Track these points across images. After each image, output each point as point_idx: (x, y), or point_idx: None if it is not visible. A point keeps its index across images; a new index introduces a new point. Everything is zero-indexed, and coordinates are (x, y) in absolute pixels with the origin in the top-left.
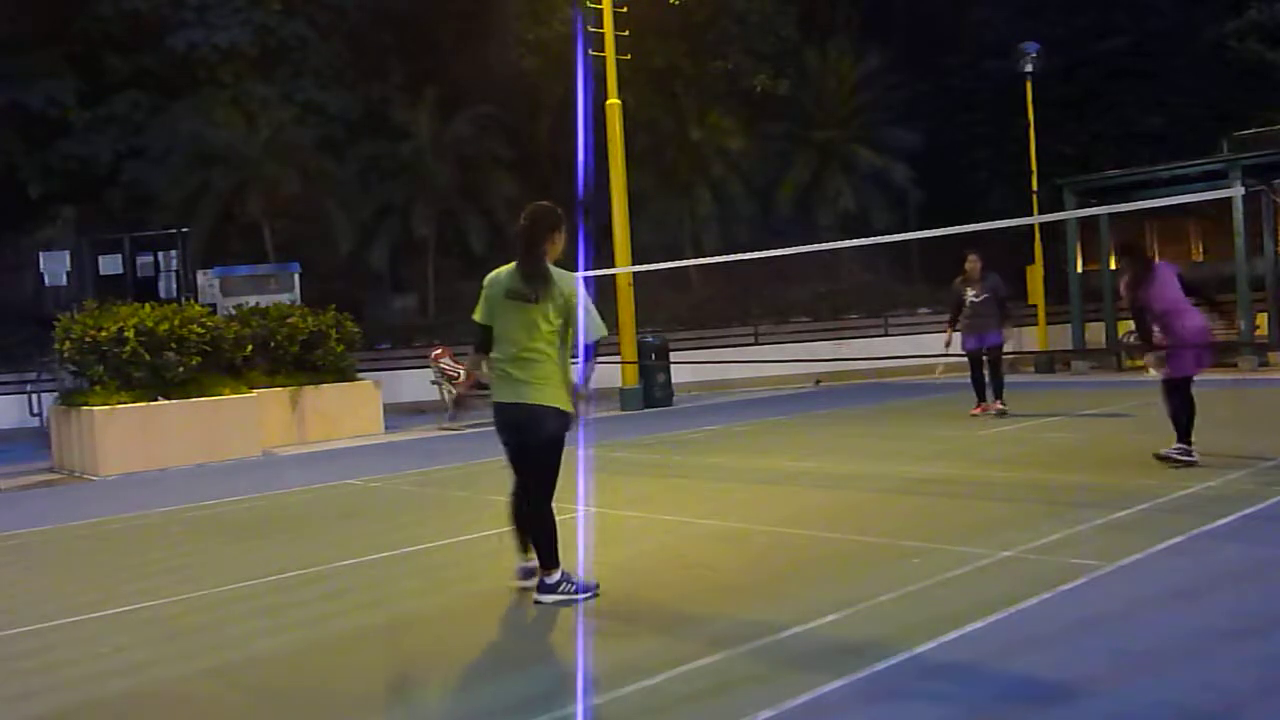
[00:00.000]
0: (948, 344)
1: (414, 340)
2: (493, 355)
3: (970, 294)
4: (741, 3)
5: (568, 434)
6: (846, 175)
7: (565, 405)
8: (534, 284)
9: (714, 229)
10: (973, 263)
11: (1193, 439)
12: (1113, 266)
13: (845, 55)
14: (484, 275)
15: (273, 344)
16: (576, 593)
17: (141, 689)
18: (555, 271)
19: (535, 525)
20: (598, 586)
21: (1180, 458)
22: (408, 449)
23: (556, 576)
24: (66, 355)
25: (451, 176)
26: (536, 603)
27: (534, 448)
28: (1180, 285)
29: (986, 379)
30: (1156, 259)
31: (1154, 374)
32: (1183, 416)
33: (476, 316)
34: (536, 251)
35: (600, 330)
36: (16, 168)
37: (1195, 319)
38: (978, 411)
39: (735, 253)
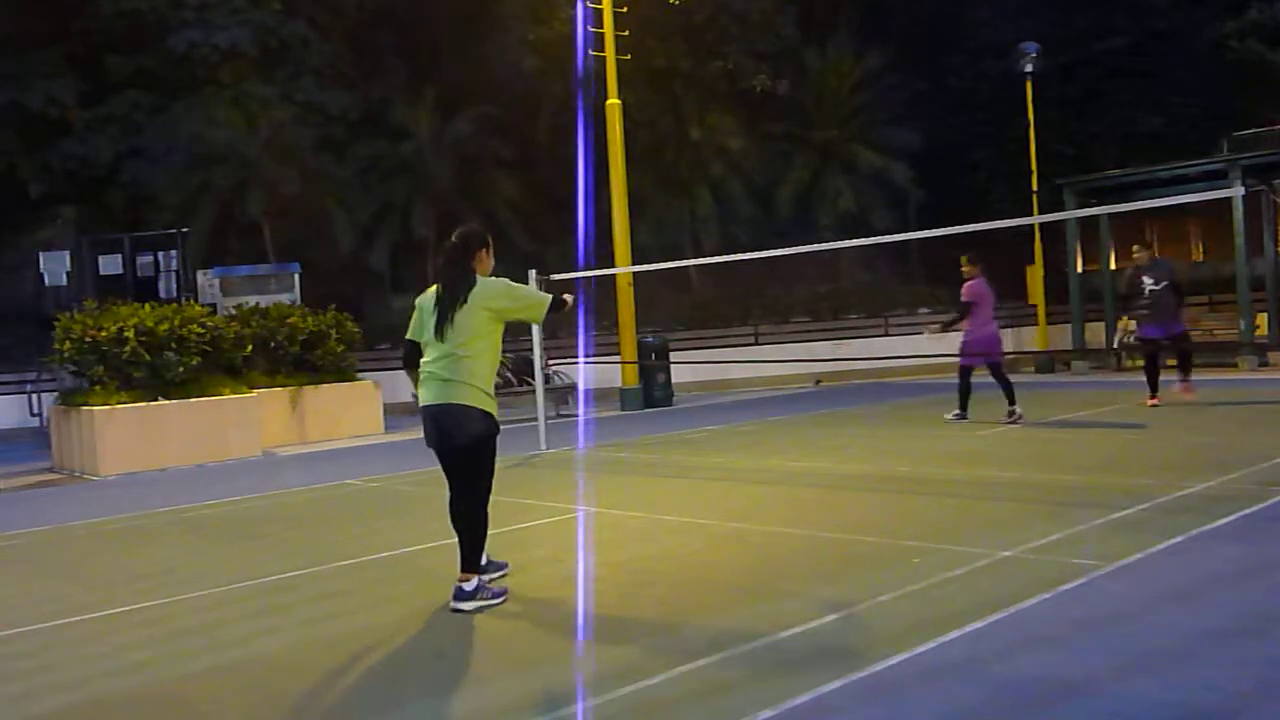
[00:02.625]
0: (1124, 333)
1: None
2: (422, 362)
3: (1149, 282)
4: (741, 3)
5: (497, 439)
6: (846, 175)
7: (491, 409)
8: (459, 289)
9: (714, 229)
10: (1140, 251)
11: (968, 411)
12: (964, 270)
13: (845, 55)
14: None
15: (273, 344)
16: (492, 599)
17: (141, 689)
18: (481, 280)
19: (466, 527)
20: (506, 592)
21: (955, 420)
22: (408, 449)
23: (474, 583)
24: (66, 355)
25: (451, 176)
26: (455, 611)
27: (460, 449)
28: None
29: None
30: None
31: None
32: (962, 392)
33: (408, 334)
34: (465, 264)
35: (543, 298)
36: (16, 168)
37: (989, 328)
38: (1155, 402)
39: (735, 253)
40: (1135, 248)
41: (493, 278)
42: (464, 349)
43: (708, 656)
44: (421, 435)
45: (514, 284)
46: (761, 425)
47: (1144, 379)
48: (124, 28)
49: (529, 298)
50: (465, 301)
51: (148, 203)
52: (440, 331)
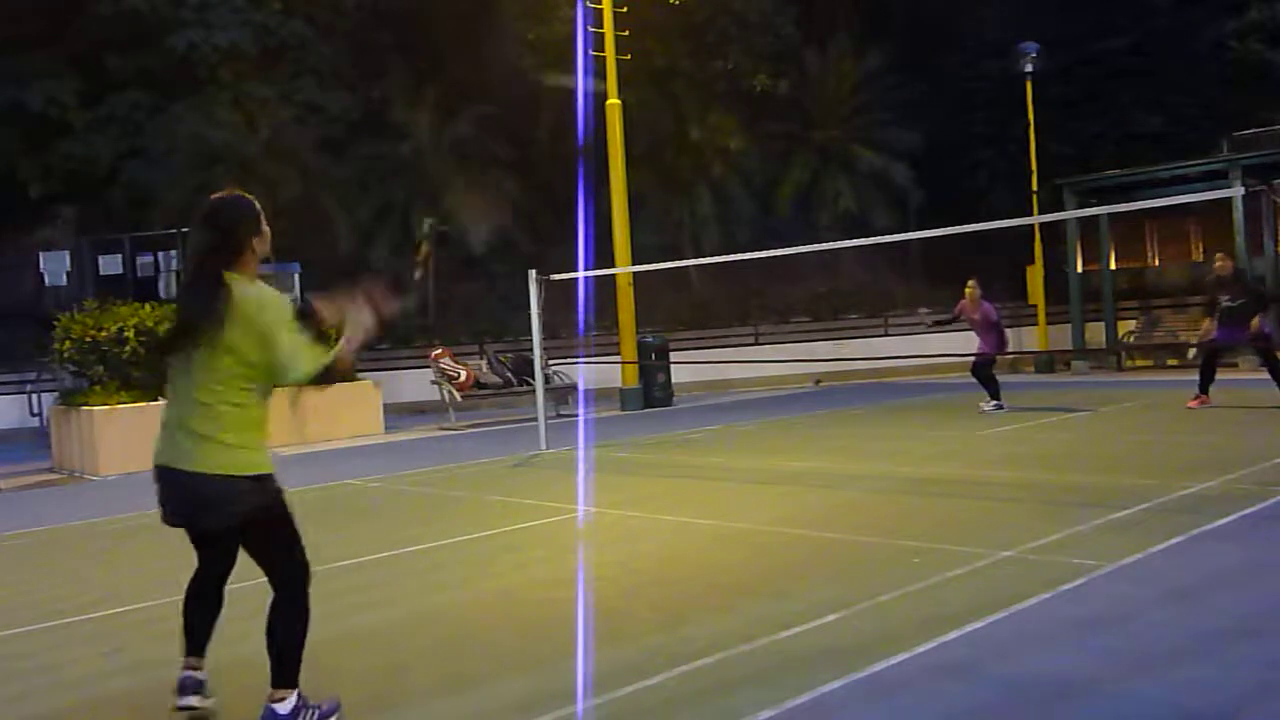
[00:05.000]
0: (1202, 335)
1: (414, 340)
2: (164, 407)
3: (1225, 299)
4: (741, 3)
5: (281, 499)
6: (846, 175)
7: (264, 467)
8: (210, 311)
9: (714, 229)
10: (1222, 262)
11: (1002, 399)
12: (968, 292)
13: (845, 55)
14: (484, 275)
15: None
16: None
17: (141, 689)
18: (249, 291)
19: (282, 625)
20: (338, 707)
21: (991, 410)
22: (408, 449)
23: (293, 703)
24: (66, 355)
25: (451, 176)
26: None
27: (230, 530)
28: (991, 316)
29: (1215, 374)
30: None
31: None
32: (990, 385)
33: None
34: (215, 264)
35: (306, 365)
36: (16, 168)
37: (991, 337)
38: (1194, 404)
39: (735, 253)
40: (1219, 257)
41: (271, 292)
42: (225, 401)
43: (708, 656)
44: None
45: (290, 318)
46: (761, 425)
47: (1146, 379)
48: (124, 28)
49: (292, 354)
50: (221, 323)
51: (148, 203)
52: (191, 368)
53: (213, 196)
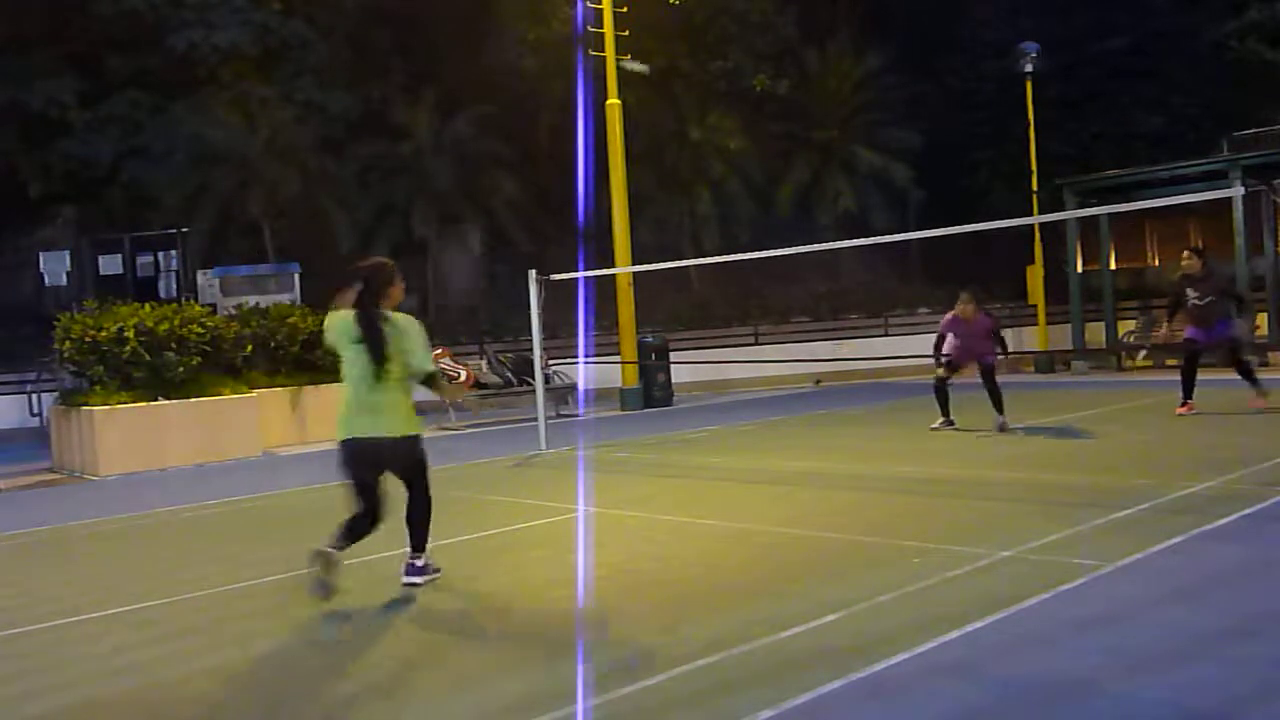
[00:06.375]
0: (1160, 338)
1: None
2: (346, 395)
3: (1193, 296)
4: (741, 3)
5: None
6: (846, 175)
7: (418, 428)
8: (375, 335)
9: (714, 229)
10: (1189, 259)
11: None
12: (961, 310)
13: (845, 55)
14: (484, 275)
15: (273, 344)
16: (435, 572)
17: (141, 689)
18: (394, 318)
19: (420, 513)
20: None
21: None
22: None
23: (424, 559)
24: (66, 355)
25: (451, 176)
26: (409, 585)
27: (402, 470)
28: (988, 325)
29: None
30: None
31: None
32: (997, 395)
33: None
34: (374, 304)
35: (426, 364)
36: (16, 168)
37: (984, 344)
38: (1183, 411)
39: (735, 253)
40: (1185, 255)
41: (406, 317)
42: (389, 389)
43: (708, 656)
44: None
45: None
46: (761, 425)
47: (1146, 379)
48: (124, 28)
49: (417, 358)
50: (385, 348)
51: (148, 203)
52: (367, 370)
53: (361, 263)
